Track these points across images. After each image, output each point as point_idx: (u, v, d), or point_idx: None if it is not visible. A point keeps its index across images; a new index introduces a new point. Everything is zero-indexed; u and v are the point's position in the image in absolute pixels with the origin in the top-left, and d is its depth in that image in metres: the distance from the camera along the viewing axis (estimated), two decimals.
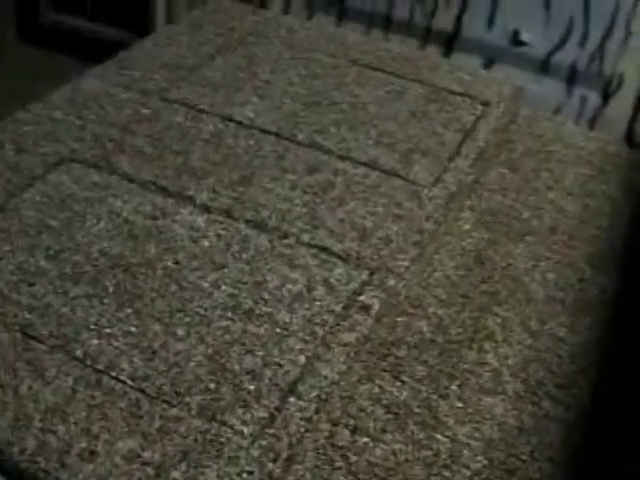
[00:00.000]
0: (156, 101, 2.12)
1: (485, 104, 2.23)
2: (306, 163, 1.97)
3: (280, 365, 1.52)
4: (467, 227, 2.03)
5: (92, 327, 1.54)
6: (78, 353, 1.49)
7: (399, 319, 1.77)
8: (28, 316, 1.55)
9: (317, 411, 1.48)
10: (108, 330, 1.54)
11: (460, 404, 1.63)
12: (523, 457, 1.56)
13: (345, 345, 1.57)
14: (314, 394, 1.48)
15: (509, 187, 2.16)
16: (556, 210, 2.10)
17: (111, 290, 1.61)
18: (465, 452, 1.55)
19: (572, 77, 2.44)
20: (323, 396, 1.49)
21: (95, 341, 1.52)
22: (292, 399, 1.47)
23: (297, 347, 1.56)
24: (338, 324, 1.61)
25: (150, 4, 2.36)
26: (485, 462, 1.55)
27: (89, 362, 1.48)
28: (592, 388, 1.70)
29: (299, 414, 1.45)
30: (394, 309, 1.75)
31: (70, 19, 2.92)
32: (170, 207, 1.81)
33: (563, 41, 2.44)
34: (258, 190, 1.87)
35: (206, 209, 1.82)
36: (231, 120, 2.07)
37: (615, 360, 1.76)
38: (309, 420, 1.46)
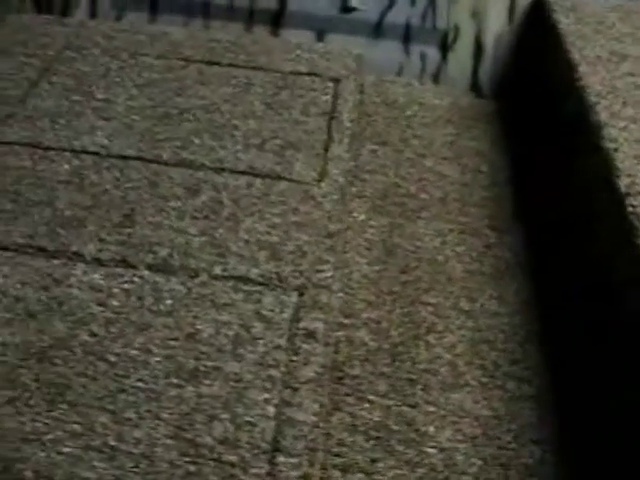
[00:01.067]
0: None
1: (335, 80, 2.11)
2: (183, 185, 1.78)
3: (252, 424, 1.37)
4: (362, 217, 1.92)
5: (31, 437, 1.32)
6: (28, 474, 1.27)
7: (339, 334, 1.65)
8: None
9: (311, 463, 1.35)
10: (50, 436, 1.32)
11: (432, 408, 1.55)
12: (511, 446, 1.51)
13: (309, 382, 1.44)
14: (301, 445, 1.35)
15: (386, 164, 2.07)
16: (438, 178, 2.04)
17: (33, 387, 1.39)
18: (458, 457, 1.48)
19: (407, 36, 2.37)
20: (310, 444, 1.36)
21: (41, 454, 1.29)
22: (281, 458, 1.33)
23: (260, 398, 1.41)
24: (292, 360, 1.47)
25: None
26: (480, 463, 1.48)
27: None
28: (543, 355, 1.67)
29: (294, 473, 1.31)
30: (331, 325, 1.63)
31: None
32: (58, 270, 1.58)
33: (393, 0, 2.36)
34: (146, 227, 1.68)
35: (99, 262, 1.60)
36: (85, 152, 1.83)
37: (550, 319, 1.74)
38: (307, 477, 1.32)
